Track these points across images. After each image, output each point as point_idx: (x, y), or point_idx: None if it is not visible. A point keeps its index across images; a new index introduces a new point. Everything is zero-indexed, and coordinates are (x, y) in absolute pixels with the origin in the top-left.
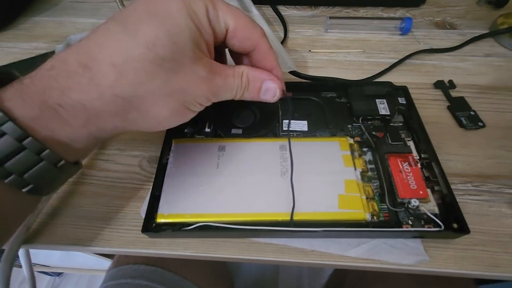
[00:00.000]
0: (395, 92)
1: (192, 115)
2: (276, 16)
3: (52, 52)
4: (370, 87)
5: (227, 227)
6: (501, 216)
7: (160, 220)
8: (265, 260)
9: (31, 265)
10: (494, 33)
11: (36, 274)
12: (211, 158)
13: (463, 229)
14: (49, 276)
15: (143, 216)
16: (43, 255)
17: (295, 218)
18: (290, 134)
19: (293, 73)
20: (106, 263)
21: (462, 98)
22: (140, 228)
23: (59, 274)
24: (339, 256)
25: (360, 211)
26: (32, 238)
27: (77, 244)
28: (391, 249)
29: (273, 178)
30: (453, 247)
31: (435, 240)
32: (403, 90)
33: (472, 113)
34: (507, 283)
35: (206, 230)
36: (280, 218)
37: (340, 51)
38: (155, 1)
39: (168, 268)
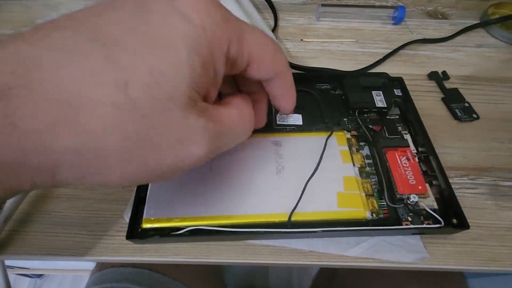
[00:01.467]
0: (390, 84)
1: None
2: (266, 3)
3: None
4: (366, 79)
5: (220, 231)
6: (497, 209)
7: (146, 225)
8: (262, 263)
9: (5, 272)
10: (485, 23)
11: (15, 277)
12: None
13: (463, 225)
14: (30, 278)
15: (127, 220)
16: None
17: (292, 218)
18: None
19: None
20: (90, 263)
21: (456, 89)
22: (125, 234)
23: (40, 275)
24: (339, 256)
25: (360, 209)
26: (0, 248)
27: (53, 253)
28: (391, 247)
29: (268, 176)
30: (452, 242)
31: (434, 235)
32: (399, 82)
33: (466, 104)
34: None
35: (198, 234)
36: (277, 220)
37: (332, 40)
38: (156, 22)
39: (156, 269)
